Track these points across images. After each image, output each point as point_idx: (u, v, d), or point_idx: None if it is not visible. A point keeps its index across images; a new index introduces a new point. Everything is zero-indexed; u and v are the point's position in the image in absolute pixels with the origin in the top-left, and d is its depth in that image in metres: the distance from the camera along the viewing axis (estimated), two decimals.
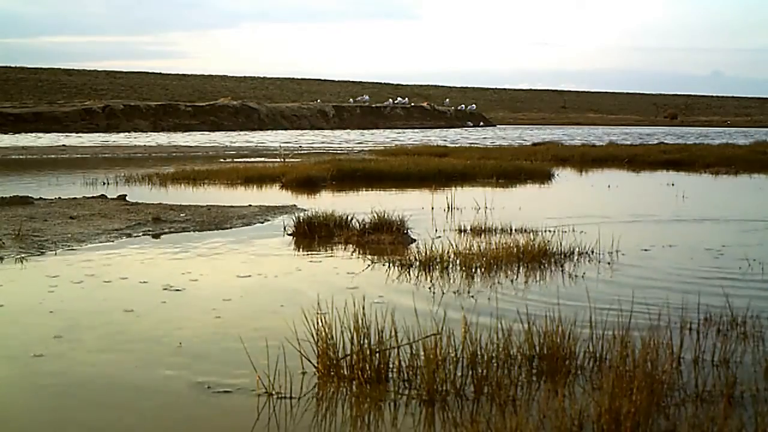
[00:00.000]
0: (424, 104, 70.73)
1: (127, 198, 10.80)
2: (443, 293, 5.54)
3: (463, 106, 73.80)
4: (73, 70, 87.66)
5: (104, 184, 13.63)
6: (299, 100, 71.74)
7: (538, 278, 6.08)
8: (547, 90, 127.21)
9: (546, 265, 6.47)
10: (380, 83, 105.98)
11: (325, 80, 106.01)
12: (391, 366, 3.84)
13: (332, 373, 3.84)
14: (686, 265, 6.67)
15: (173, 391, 3.73)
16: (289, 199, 11.57)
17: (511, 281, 5.95)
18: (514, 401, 3.51)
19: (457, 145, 28.34)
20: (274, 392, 3.64)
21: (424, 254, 6.46)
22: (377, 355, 3.80)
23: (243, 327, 4.69)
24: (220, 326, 4.76)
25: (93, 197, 10.98)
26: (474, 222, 8.32)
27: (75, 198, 10.88)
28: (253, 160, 20.86)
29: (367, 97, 69.73)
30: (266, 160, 20.25)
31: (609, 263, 6.63)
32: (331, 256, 7.26)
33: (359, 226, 7.92)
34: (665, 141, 32.05)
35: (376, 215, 7.89)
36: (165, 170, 15.35)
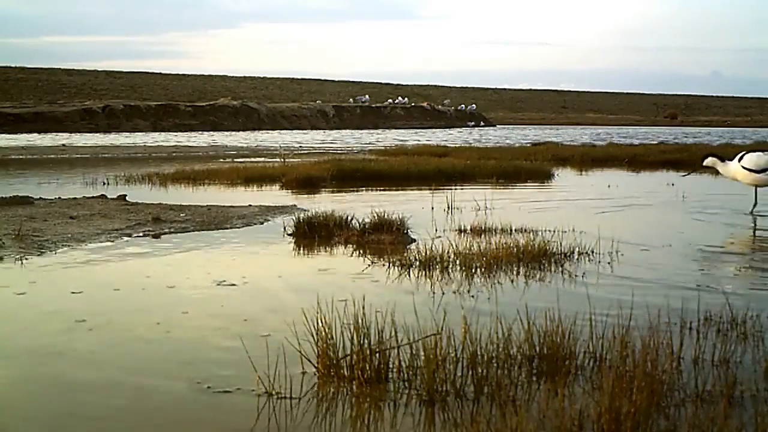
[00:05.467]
0: (424, 104, 70.75)
1: (127, 198, 10.79)
2: (443, 293, 5.54)
3: (463, 106, 73.83)
4: (73, 70, 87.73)
5: (104, 184, 13.63)
6: (299, 100, 71.74)
7: (538, 278, 6.08)
8: (547, 90, 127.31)
9: (546, 265, 6.47)
10: (380, 83, 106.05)
11: (325, 80, 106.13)
12: (391, 366, 3.84)
13: (332, 373, 3.84)
14: (686, 264, 6.67)
15: (173, 391, 3.73)
16: (289, 199, 11.56)
17: (511, 281, 5.94)
18: (514, 401, 3.50)
19: (457, 145, 28.32)
20: (274, 392, 3.64)
21: (424, 254, 6.45)
22: (377, 355, 3.80)
23: (243, 327, 4.69)
24: (220, 326, 4.76)
25: (93, 197, 10.98)
26: (474, 222, 8.31)
27: (75, 198, 10.88)
28: (253, 160, 20.86)
29: (366, 97, 69.72)
30: (266, 160, 20.25)
31: (609, 263, 6.63)
32: (331, 256, 7.25)
33: (359, 226, 7.92)
34: (665, 141, 32.04)
35: (376, 215, 7.89)
36: (165, 170, 15.34)
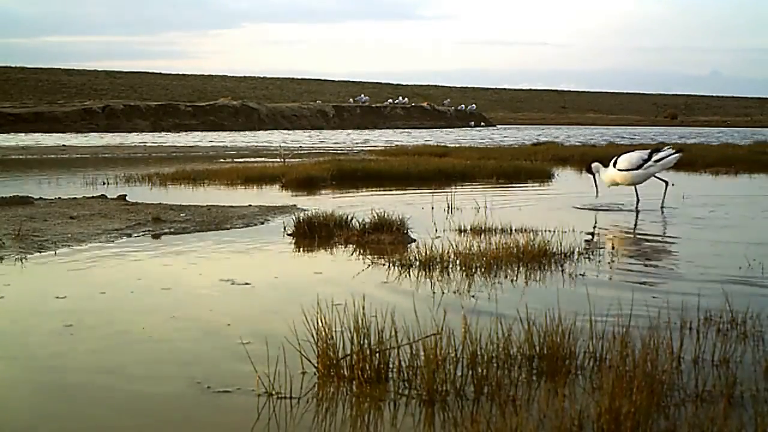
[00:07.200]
0: (424, 104, 70.73)
1: (127, 198, 10.79)
2: (443, 293, 5.54)
3: (463, 106, 73.81)
4: (73, 70, 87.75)
5: (104, 184, 13.63)
6: (299, 100, 71.73)
7: (538, 278, 6.07)
8: (547, 90, 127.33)
9: (546, 265, 6.47)
10: (380, 83, 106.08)
11: (325, 80, 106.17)
12: (391, 366, 3.84)
13: (332, 373, 3.84)
14: (686, 264, 6.67)
15: (173, 391, 3.73)
16: (289, 199, 11.56)
17: (511, 281, 5.94)
18: (514, 401, 3.50)
19: (457, 145, 28.32)
20: (274, 392, 3.64)
21: (424, 254, 6.45)
22: (377, 355, 3.80)
23: (243, 327, 4.69)
24: (220, 326, 4.75)
25: (93, 197, 10.98)
26: (474, 222, 8.31)
27: (75, 198, 10.88)
28: (253, 160, 20.86)
29: (367, 97, 69.70)
30: (266, 160, 20.25)
31: (609, 263, 6.63)
32: (331, 256, 7.25)
33: (359, 226, 7.91)
34: (665, 141, 32.04)
35: (376, 215, 7.88)
36: (165, 170, 15.34)
